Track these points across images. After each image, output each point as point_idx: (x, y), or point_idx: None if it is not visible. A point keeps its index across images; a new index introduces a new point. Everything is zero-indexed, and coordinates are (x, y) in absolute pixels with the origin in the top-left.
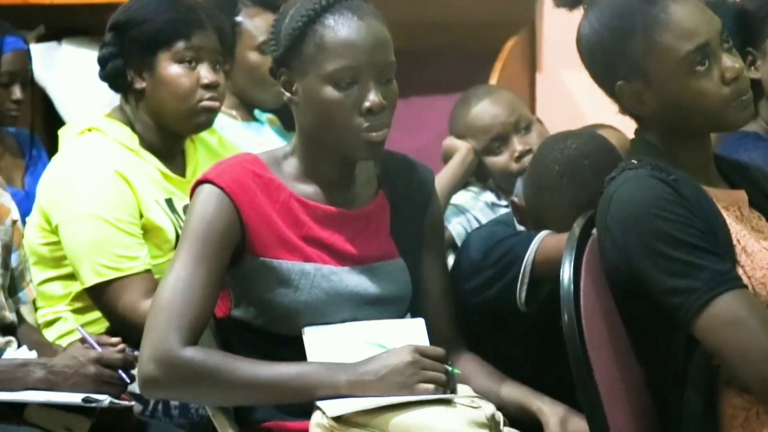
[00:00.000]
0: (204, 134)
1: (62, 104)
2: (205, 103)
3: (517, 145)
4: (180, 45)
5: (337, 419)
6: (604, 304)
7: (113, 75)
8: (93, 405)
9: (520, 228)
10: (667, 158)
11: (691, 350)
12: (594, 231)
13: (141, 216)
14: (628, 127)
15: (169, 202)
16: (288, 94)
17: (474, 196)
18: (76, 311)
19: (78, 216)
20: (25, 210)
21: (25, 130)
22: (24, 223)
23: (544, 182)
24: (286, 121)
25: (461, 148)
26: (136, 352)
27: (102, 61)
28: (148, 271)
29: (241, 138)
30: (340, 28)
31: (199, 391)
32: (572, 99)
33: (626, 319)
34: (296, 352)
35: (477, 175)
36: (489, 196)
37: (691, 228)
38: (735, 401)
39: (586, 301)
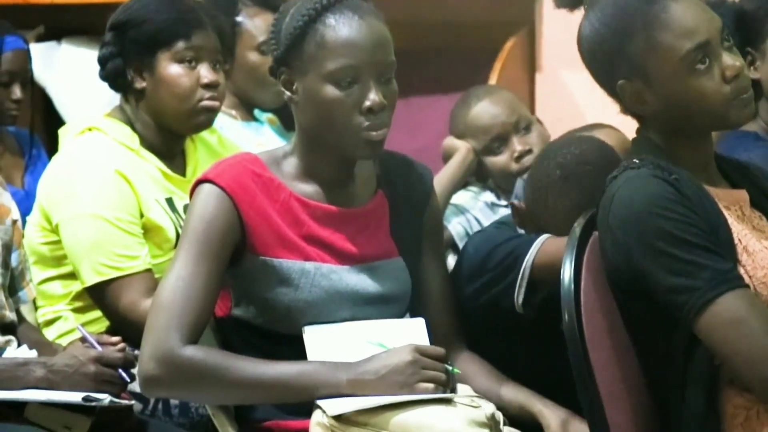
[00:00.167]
0: (204, 134)
1: (62, 104)
2: (205, 102)
3: (517, 145)
4: (180, 45)
5: (338, 418)
6: (604, 303)
7: (113, 75)
8: (93, 404)
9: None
10: (668, 157)
11: (692, 349)
12: (595, 231)
13: (141, 215)
14: (628, 126)
15: (170, 201)
16: (288, 94)
17: (474, 196)
18: (76, 310)
19: (78, 215)
20: (25, 209)
21: (25, 129)
22: (24, 222)
23: (545, 186)
24: (285, 121)
25: (461, 148)
26: (136, 351)
27: (102, 61)
28: (149, 270)
29: (241, 138)
30: (341, 27)
31: (200, 390)
32: (572, 99)
33: (627, 318)
34: (296, 351)
35: (477, 175)
36: (489, 196)
37: (692, 227)
38: (736, 400)
39: (586, 300)
